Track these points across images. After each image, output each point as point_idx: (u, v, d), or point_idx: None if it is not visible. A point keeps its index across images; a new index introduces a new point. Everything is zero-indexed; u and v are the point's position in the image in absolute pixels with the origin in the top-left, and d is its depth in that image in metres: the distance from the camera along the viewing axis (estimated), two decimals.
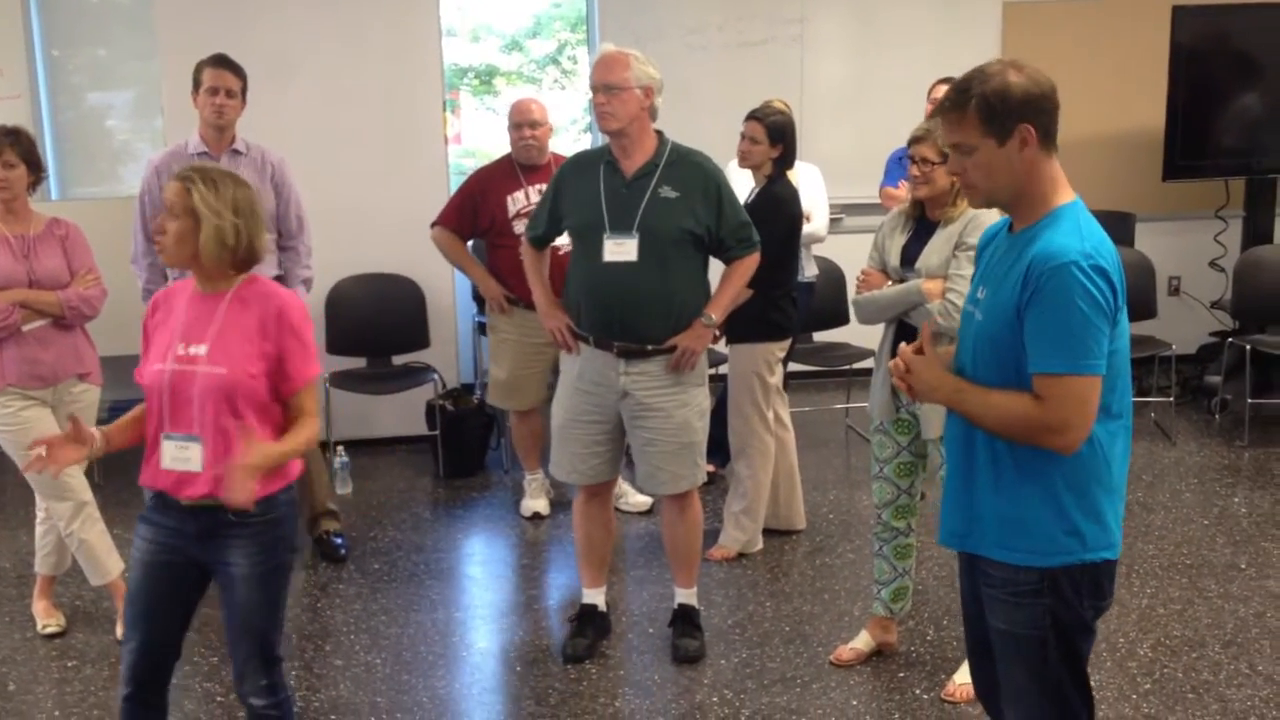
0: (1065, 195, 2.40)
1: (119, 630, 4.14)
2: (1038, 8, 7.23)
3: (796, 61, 7.16)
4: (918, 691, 3.86)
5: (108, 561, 4.26)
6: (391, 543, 5.18)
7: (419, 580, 4.80)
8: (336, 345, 6.09)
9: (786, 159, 4.89)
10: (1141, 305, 6.17)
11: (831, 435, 6.56)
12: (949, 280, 3.61)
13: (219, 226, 2.81)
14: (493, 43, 9.25)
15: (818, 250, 5.82)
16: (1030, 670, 2.48)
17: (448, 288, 6.25)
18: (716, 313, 3.92)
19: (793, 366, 5.45)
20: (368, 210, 6.06)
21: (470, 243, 5.47)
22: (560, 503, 5.45)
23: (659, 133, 3.92)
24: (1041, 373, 2.31)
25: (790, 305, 4.86)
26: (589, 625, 4.18)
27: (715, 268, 3.98)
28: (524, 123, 5.22)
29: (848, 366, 6.41)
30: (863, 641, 4.07)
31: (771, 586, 4.67)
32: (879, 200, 5.67)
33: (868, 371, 4.60)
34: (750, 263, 3.99)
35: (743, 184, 4.96)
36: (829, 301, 6.20)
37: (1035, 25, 7.17)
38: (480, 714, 3.86)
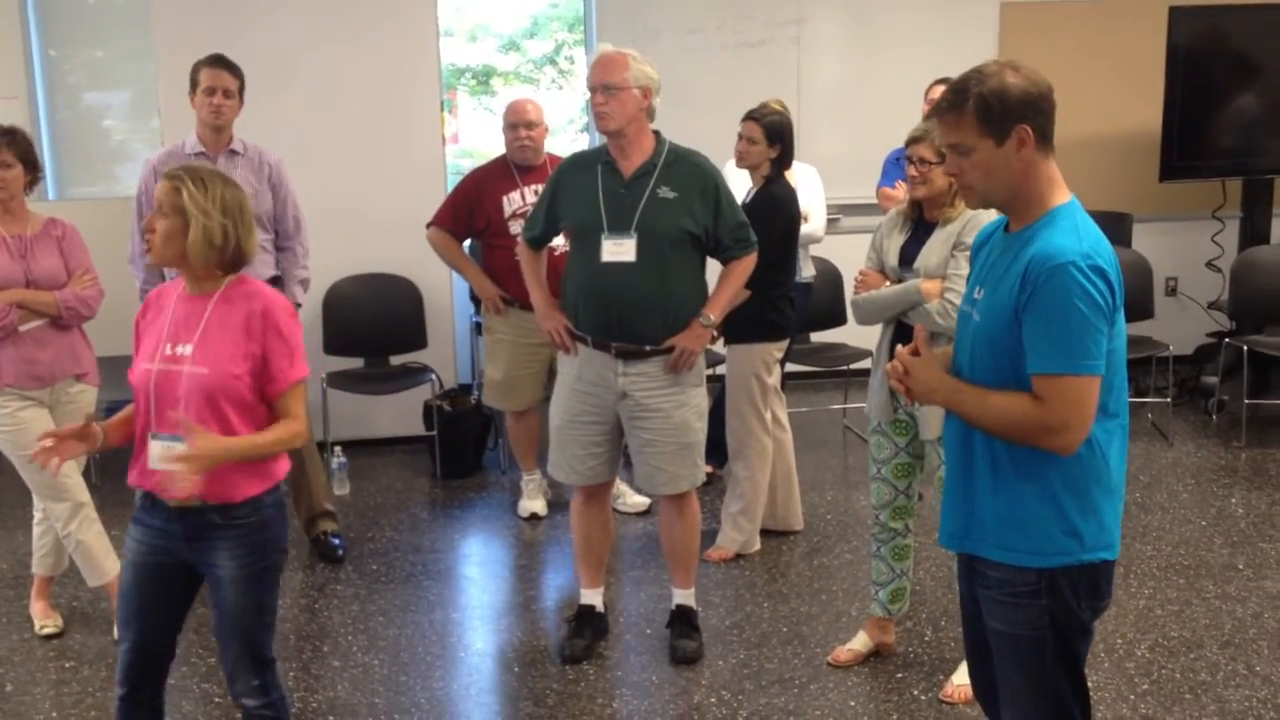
0: (1062, 196, 2.41)
1: (116, 631, 4.14)
2: (1035, 8, 7.24)
3: (794, 62, 7.16)
4: (915, 692, 3.86)
5: (105, 562, 4.25)
6: (389, 543, 5.18)
7: (417, 581, 4.79)
8: (334, 345, 6.09)
9: (784, 159, 4.89)
10: (1138, 306, 6.18)
11: (829, 436, 6.56)
12: (947, 280, 3.61)
13: (207, 226, 2.80)
14: (490, 43, 9.25)
15: (815, 251, 5.82)
16: (1027, 671, 2.48)
17: (445, 288, 6.25)
18: (714, 313, 3.92)
19: (790, 367, 5.45)
20: (365, 210, 6.06)
21: (468, 243, 5.47)
22: (558, 503, 5.44)
23: (657, 133, 3.92)
24: (1040, 373, 2.31)
25: (788, 306, 4.86)
26: (587, 626, 4.18)
27: (713, 268, 3.98)
28: (520, 123, 5.22)
29: (845, 367, 6.42)
30: (860, 642, 4.07)
31: (769, 587, 4.66)
32: (876, 201, 5.67)
33: (865, 372, 4.60)
34: (748, 263, 3.99)
35: (740, 184, 4.96)
36: (826, 302, 6.21)
37: (1032, 26, 7.18)
38: (478, 715, 3.86)
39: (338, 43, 6.04)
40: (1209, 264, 7.36)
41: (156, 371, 2.83)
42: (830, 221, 6.00)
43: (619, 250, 3.80)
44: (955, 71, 2.61)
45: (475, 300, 5.65)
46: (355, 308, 6.16)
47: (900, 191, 4.84)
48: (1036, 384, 2.32)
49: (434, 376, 6.08)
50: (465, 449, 6.04)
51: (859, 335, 5.22)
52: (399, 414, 6.27)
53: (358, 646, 4.24)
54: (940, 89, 5.35)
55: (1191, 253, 7.41)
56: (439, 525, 5.44)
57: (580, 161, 4.03)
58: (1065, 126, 2.39)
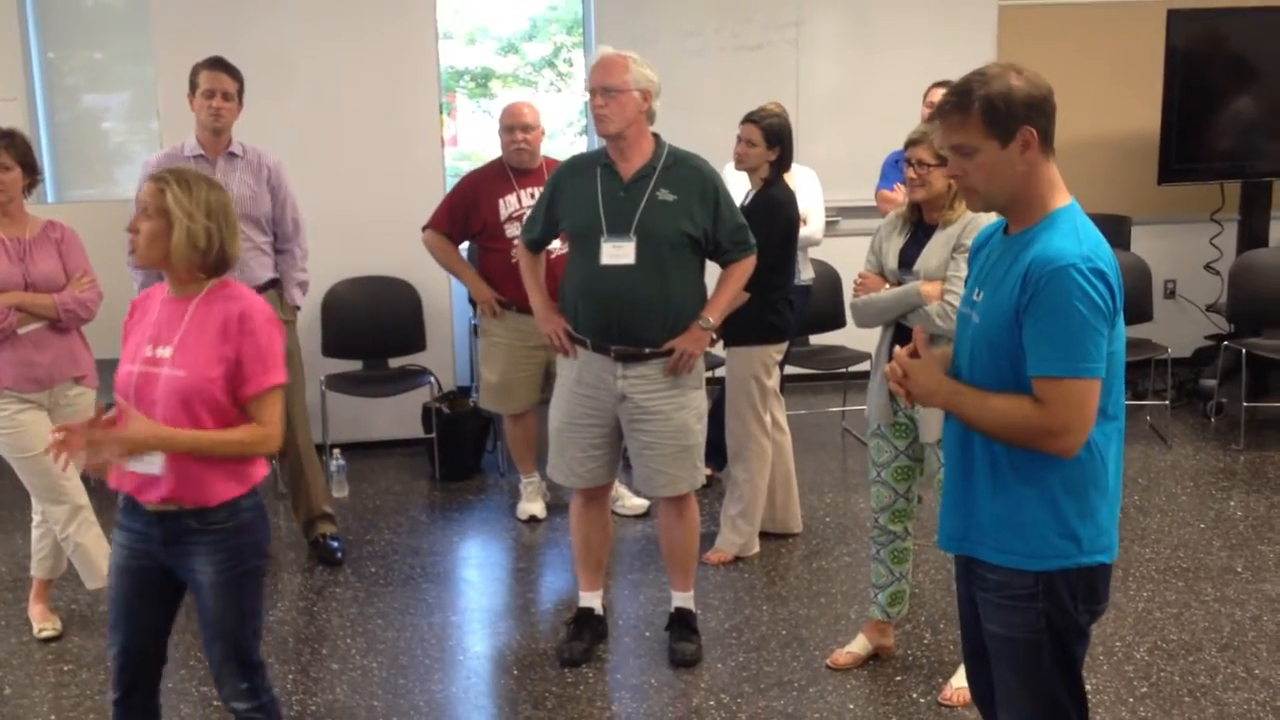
0: (1062, 198, 2.41)
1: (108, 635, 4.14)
2: (1033, 11, 7.24)
3: (792, 65, 7.16)
4: (914, 695, 3.86)
5: (103, 565, 4.24)
6: (388, 546, 5.18)
7: (415, 583, 4.79)
8: (332, 348, 6.09)
9: (783, 162, 4.89)
10: (1137, 308, 6.18)
11: (828, 438, 6.56)
12: (947, 282, 3.61)
13: (191, 229, 2.80)
14: (489, 45, 9.24)
15: (814, 253, 5.82)
16: (1024, 674, 2.48)
17: (444, 290, 6.25)
18: (714, 315, 3.92)
19: (789, 370, 5.45)
20: (364, 213, 6.05)
21: (466, 245, 5.47)
22: (557, 506, 5.44)
23: (656, 136, 3.92)
24: (1041, 376, 2.31)
25: (787, 308, 4.86)
26: (586, 629, 4.18)
27: (712, 271, 3.98)
28: (516, 126, 5.21)
29: (844, 369, 6.42)
30: (859, 645, 4.06)
31: (768, 590, 4.66)
32: (875, 203, 5.67)
33: (864, 374, 4.60)
34: (747, 265, 3.99)
35: (739, 186, 4.96)
36: (825, 304, 6.21)
37: (1031, 29, 7.18)
38: (477, 718, 3.86)
39: (337, 45, 6.04)
40: (1207, 266, 7.37)
41: (137, 373, 2.83)
42: (829, 224, 6.01)
43: (618, 253, 3.80)
44: (954, 74, 2.61)
45: (474, 303, 5.65)
46: (354, 310, 6.16)
47: (899, 194, 4.84)
48: (1037, 386, 2.32)
49: (433, 379, 6.08)
50: (464, 451, 6.04)
51: (858, 338, 5.22)
52: (397, 416, 6.26)
53: (356, 649, 4.24)
54: (939, 92, 5.35)
55: (1190, 255, 7.41)
56: (438, 528, 5.44)
57: (579, 164, 4.03)
58: (1064, 129, 2.40)
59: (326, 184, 5.77)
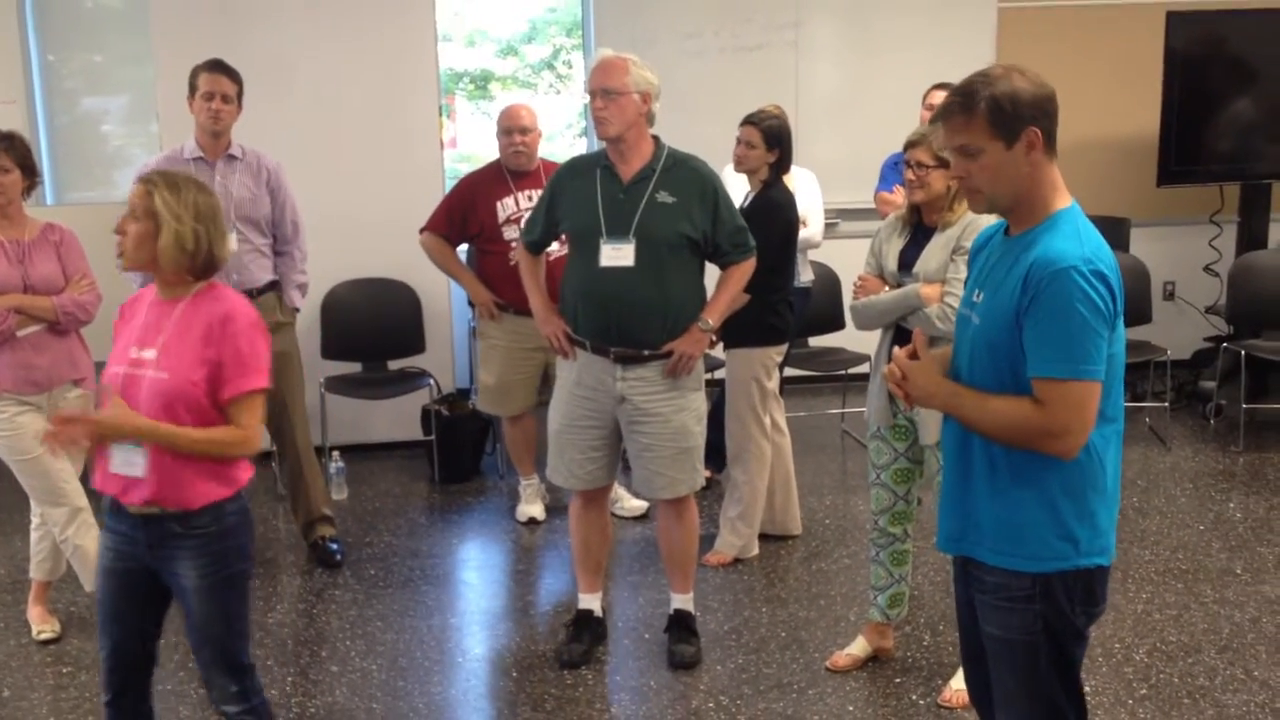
0: (1063, 200, 2.41)
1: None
2: (1033, 13, 7.24)
3: (791, 67, 7.16)
4: (914, 697, 3.86)
5: None
6: (387, 548, 5.18)
7: (414, 586, 4.79)
8: (332, 350, 6.09)
9: (782, 164, 4.89)
10: (1136, 310, 6.18)
11: (827, 440, 6.56)
12: (946, 284, 3.61)
13: (179, 231, 2.80)
14: (488, 48, 9.25)
15: (813, 255, 5.82)
16: (1022, 676, 2.48)
17: (443, 292, 6.25)
18: (713, 317, 3.92)
19: (788, 372, 5.45)
20: (363, 215, 6.05)
21: (466, 248, 5.47)
22: (556, 508, 5.44)
23: (655, 138, 3.92)
24: (1041, 377, 2.31)
25: (787, 310, 4.86)
26: (585, 631, 4.18)
27: (711, 273, 3.98)
28: (514, 128, 5.21)
29: (843, 372, 6.42)
30: (859, 647, 4.06)
31: (767, 592, 4.66)
32: (874, 205, 5.68)
33: (863, 376, 4.60)
34: (746, 268, 3.99)
35: (738, 188, 4.96)
36: (824, 306, 6.21)
37: (1030, 31, 7.18)
38: None
39: (336, 47, 6.04)
40: (1207, 268, 7.37)
41: (122, 375, 2.83)
42: (828, 226, 6.00)
43: (617, 255, 3.80)
44: (953, 76, 2.61)
45: (473, 305, 5.65)
46: (353, 312, 6.16)
47: (898, 196, 4.84)
48: (1037, 388, 2.32)
49: (432, 381, 6.08)
50: (463, 454, 6.04)
51: (857, 340, 5.22)
52: (397, 418, 6.26)
53: (356, 652, 4.24)
54: (938, 94, 5.36)
55: (1189, 257, 7.41)
56: (437, 530, 5.44)
57: (579, 166, 4.03)
58: (1063, 131, 2.40)
59: (326, 186, 5.77)
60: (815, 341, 6.46)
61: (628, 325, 3.82)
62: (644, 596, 4.62)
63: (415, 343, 6.22)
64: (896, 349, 2.56)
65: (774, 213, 4.79)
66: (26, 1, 6.57)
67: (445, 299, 6.30)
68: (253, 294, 4.76)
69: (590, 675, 4.05)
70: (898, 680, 3.96)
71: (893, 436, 3.84)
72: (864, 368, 5.44)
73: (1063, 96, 2.41)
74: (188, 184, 2.86)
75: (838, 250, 6.33)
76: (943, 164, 3.61)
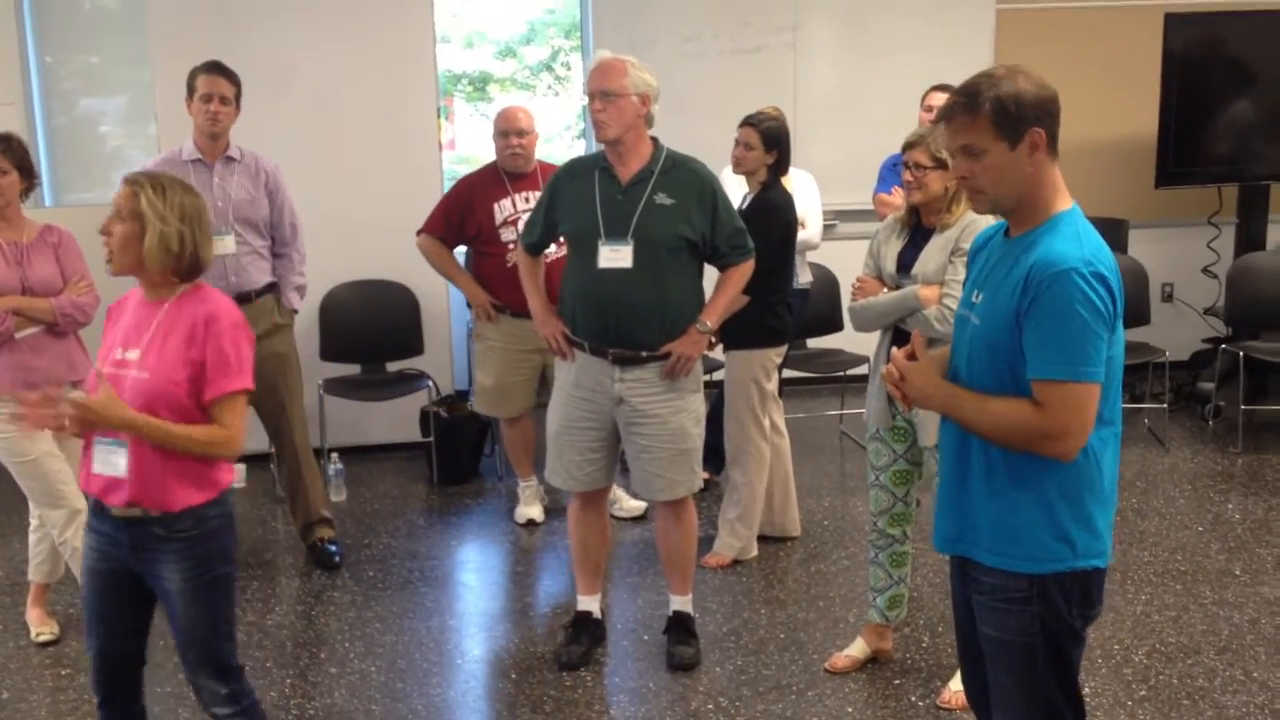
0: (1064, 202, 2.41)
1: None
2: (1031, 15, 7.25)
3: (790, 68, 7.17)
4: (913, 699, 3.85)
5: None
6: (386, 550, 5.17)
7: (413, 587, 4.79)
8: (330, 352, 6.09)
9: (781, 165, 4.89)
10: (1135, 312, 6.19)
11: (826, 442, 6.56)
12: (945, 286, 3.61)
13: (164, 232, 2.81)
14: (487, 49, 9.25)
15: (812, 257, 5.83)
16: (1020, 677, 2.48)
17: (442, 294, 6.24)
18: (711, 319, 3.92)
19: (787, 373, 5.45)
20: (362, 217, 6.05)
21: (464, 249, 5.47)
22: (555, 509, 5.44)
23: (654, 139, 3.92)
24: (1041, 379, 2.31)
25: (786, 311, 4.86)
26: (584, 632, 4.17)
27: (711, 274, 3.98)
28: (511, 130, 5.21)
29: (842, 373, 6.42)
30: (858, 649, 4.06)
31: (766, 594, 4.66)
32: (872, 207, 5.68)
33: (862, 378, 4.60)
34: (745, 269, 3.99)
35: (736, 190, 4.96)
36: (823, 308, 6.22)
37: (1028, 32, 7.18)
38: None
39: (335, 49, 6.04)
40: (1205, 270, 7.37)
41: (105, 375, 2.83)
42: (827, 228, 6.01)
43: (615, 256, 3.80)
44: (951, 78, 2.61)
45: (471, 306, 5.65)
46: (352, 314, 6.16)
47: (897, 197, 4.85)
48: (1037, 389, 2.32)
49: (430, 383, 6.08)
50: (462, 455, 6.03)
51: (856, 341, 5.22)
52: (395, 420, 6.26)
53: (354, 653, 4.23)
54: (937, 95, 5.37)
55: (1188, 259, 7.42)
56: (436, 532, 5.44)
57: (578, 167, 4.03)
58: (1061, 133, 2.40)
59: (324, 188, 5.77)
60: (814, 343, 6.46)
61: (626, 327, 3.82)
62: (643, 598, 4.62)
63: (414, 344, 6.22)
64: (895, 350, 2.56)
65: (772, 214, 4.79)
66: (24, 3, 6.56)
67: (444, 300, 6.30)
68: (251, 296, 4.76)
69: (589, 677, 4.05)
70: (897, 682, 3.96)
71: (892, 438, 3.84)
72: (863, 369, 5.43)
73: (1061, 98, 2.41)
74: (173, 185, 2.87)
75: (836, 252, 6.33)
76: (940, 165, 3.61)
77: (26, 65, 6.60)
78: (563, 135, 8.91)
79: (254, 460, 5.97)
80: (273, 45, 5.93)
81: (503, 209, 5.19)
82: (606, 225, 3.82)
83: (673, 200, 3.82)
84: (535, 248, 4.11)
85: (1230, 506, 5.49)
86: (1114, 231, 6.88)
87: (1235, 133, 7.03)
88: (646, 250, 3.79)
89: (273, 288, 4.88)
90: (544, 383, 5.21)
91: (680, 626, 4.16)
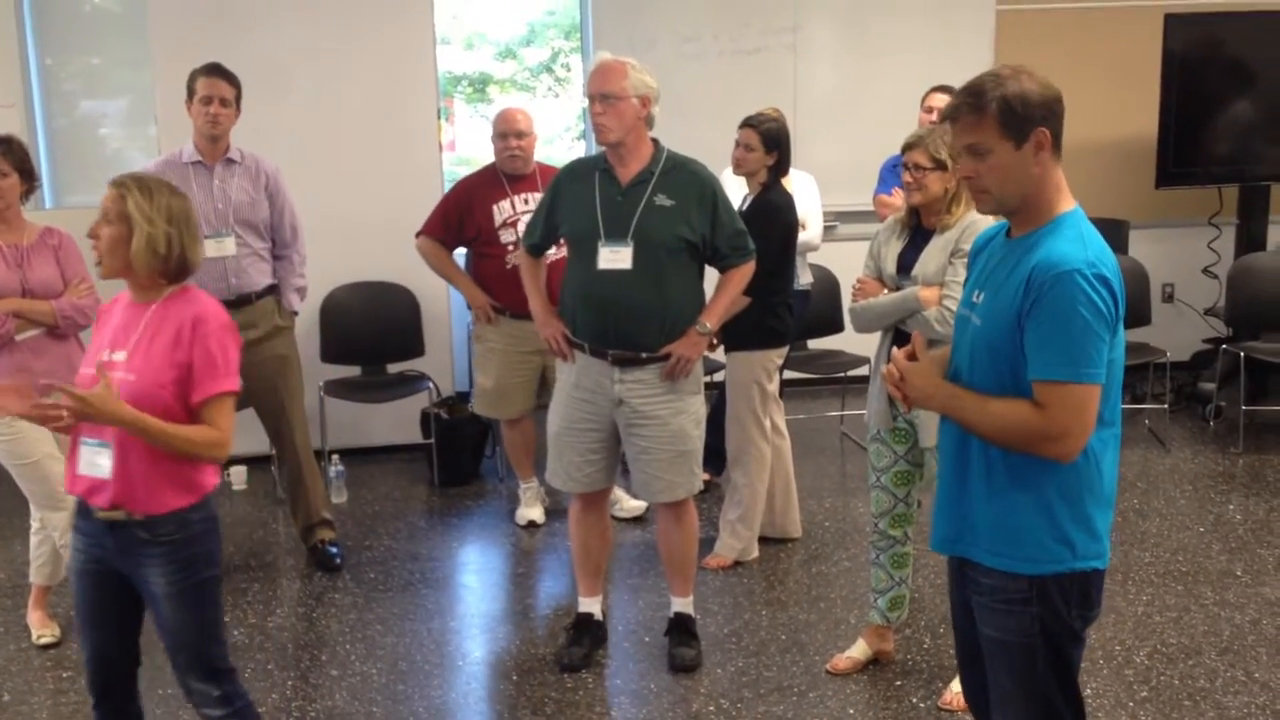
0: (1067, 203, 2.41)
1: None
2: (1031, 16, 7.25)
3: (790, 69, 7.17)
4: (914, 700, 3.85)
5: None
6: (387, 552, 5.17)
7: (414, 589, 4.79)
8: (331, 354, 6.09)
9: (781, 166, 4.89)
10: (1136, 312, 6.19)
11: (827, 443, 6.56)
12: (945, 287, 3.61)
13: (151, 234, 2.82)
14: (487, 51, 9.26)
15: (812, 258, 5.82)
16: (1019, 677, 2.48)
17: (442, 296, 6.24)
18: (711, 321, 3.92)
19: (788, 374, 5.45)
20: (362, 218, 6.05)
21: (466, 251, 5.47)
22: (556, 511, 5.44)
23: (655, 141, 3.92)
24: (1042, 380, 2.31)
25: (787, 312, 4.86)
26: (585, 634, 4.17)
27: (710, 276, 3.98)
28: (510, 132, 5.21)
29: (843, 374, 6.42)
30: (859, 650, 4.06)
31: (768, 595, 4.66)
32: (873, 208, 5.68)
33: (863, 379, 4.60)
34: (746, 271, 3.99)
35: (737, 191, 4.96)
36: (824, 309, 6.22)
37: (1029, 33, 7.19)
38: None
39: (335, 51, 6.04)
40: (1205, 270, 7.37)
41: (91, 376, 2.83)
42: (827, 229, 6.01)
43: (615, 258, 3.80)
44: (952, 79, 2.61)
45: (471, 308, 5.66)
46: (352, 316, 6.16)
47: (897, 199, 4.85)
48: (1038, 390, 2.32)
49: (431, 384, 6.08)
50: (463, 457, 6.03)
51: (856, 342, 5.21)
52: (396, 422, 6.26)
53: (356, 655, 4.23)
54: (937, 96, 5.36)
55: (1188, 259, 7.42)
56: (437, 533, 5.43)
57: (578, 169, 4.03)
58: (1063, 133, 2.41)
59: (325, 189, 5.77)
60: (814, 344, 6.46)
61: (625, 328, 3.82)
62: (644, 600, 4.62)
63: (414, 346, 6.22)
64: (895, 350, 2.56)
65: (773, 215, 4.79)
66: (25, 4, 6.57)
67: (444, 302, 6.30)
68: (251, 298, 4.76)
69: (590, 679, 4.05)
70: (898, 683, 3.96)
71: (892, 439, 3.84)
72: (863, 370, 5.44)
73: None
74: (160, 187, 2.88)
75: (837, 253, 6.33)
76: (940, 167, 3.61)
77: (27, 67, 6.60)
78: (563, 137, 8.92)
79: (255, 462, 5.98)
80: (273, 47, 5.93)
81: (501, 210, 5.19)
82: (606, 226, 3.82)
83: (673, 201, 3.81)
84: (537, 249, 4.11)
85: (1231, 507, 5.49)
86: (1114, 232, 6.88)
87: (1235, 133, 7.03)
88: (646, 251, 3.79)
89: (273, 290, 4.88)
90: (544, 384, 5.21)
91: (681, 628, 4.16)
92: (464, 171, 6.27)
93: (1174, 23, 6.77)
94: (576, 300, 3.91)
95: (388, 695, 3.95)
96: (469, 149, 8.79)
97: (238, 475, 5.99)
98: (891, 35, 7.19)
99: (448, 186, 6.10)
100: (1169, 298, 7.59)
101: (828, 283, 6.31)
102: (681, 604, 4.18)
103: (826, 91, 7.24)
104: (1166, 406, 6.64)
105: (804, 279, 5.61)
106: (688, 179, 3.87)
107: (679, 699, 3.90)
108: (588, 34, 7.23)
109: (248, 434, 5.28)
